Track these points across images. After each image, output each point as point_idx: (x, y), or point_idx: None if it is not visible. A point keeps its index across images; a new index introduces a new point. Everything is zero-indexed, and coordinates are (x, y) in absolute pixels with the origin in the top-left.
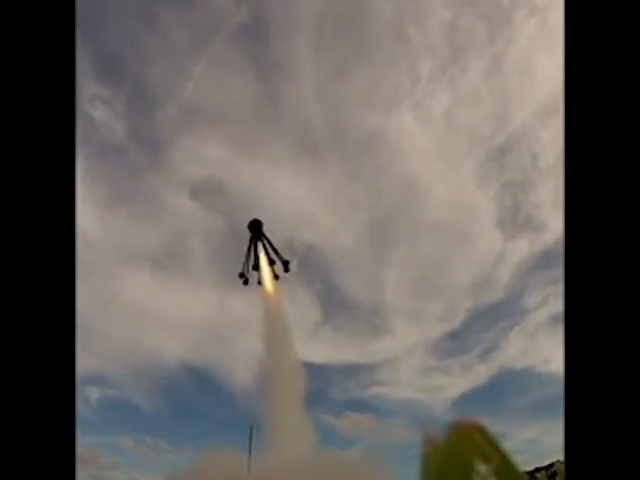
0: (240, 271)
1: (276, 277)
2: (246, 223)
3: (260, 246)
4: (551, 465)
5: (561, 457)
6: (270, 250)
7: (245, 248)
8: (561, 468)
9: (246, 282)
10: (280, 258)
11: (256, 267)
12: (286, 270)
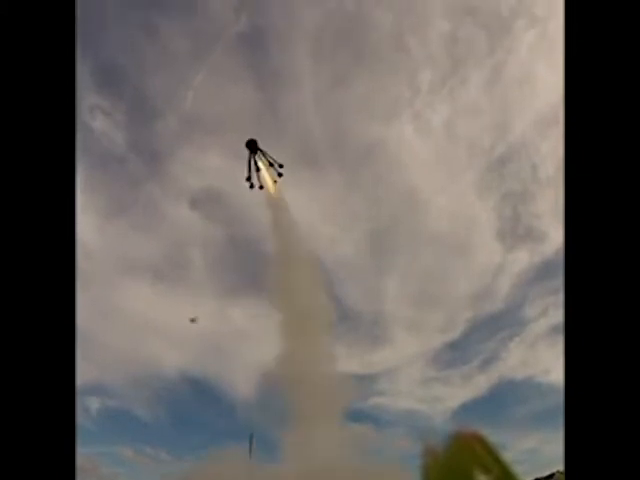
0: (246, 177)
1: (274, 181)
2: (246, 234)
3: (257, 158)
4: (551, 475)
5: (561, 467)
6: (265, 160)
7: (246, 164)
8: (561, 478)
9: (252, 186)
10: (273, 165)
11: (258, 170)
12: (279, 175)
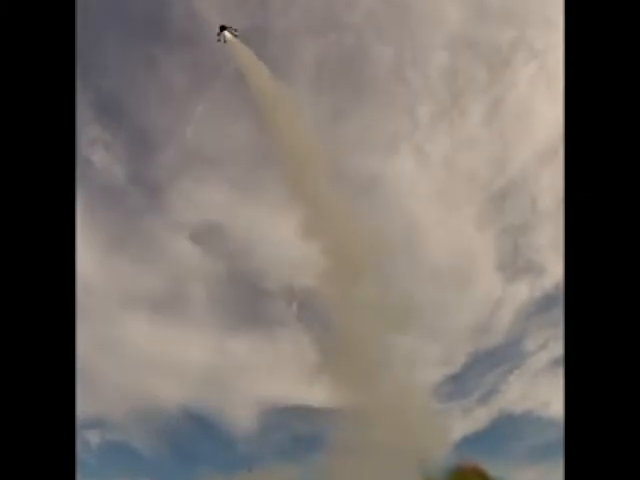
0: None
1: (235, 36)
2: (246, 267)
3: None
4: None
5: None
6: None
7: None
8: None
9: (219, 40)
10: (230, 28)
11: (223, 30)
12: (235, 36)
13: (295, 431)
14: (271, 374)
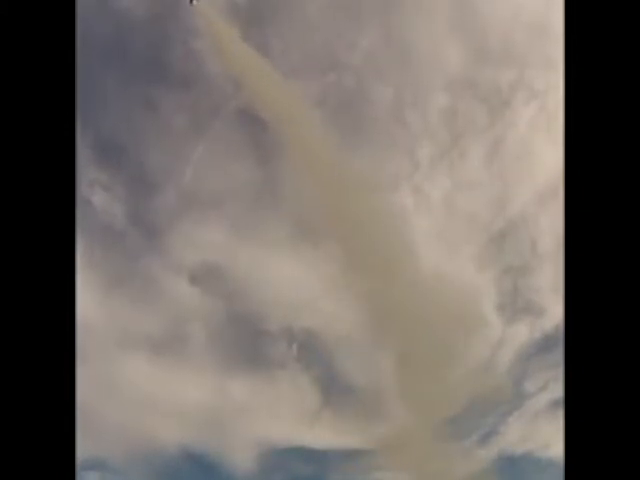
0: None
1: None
2: (246, 308)
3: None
4: None
5: None
6: None
7: None
8: None
9: (189, 3)
10: None
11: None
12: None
13: (295, 472)
14: (271, 415)
